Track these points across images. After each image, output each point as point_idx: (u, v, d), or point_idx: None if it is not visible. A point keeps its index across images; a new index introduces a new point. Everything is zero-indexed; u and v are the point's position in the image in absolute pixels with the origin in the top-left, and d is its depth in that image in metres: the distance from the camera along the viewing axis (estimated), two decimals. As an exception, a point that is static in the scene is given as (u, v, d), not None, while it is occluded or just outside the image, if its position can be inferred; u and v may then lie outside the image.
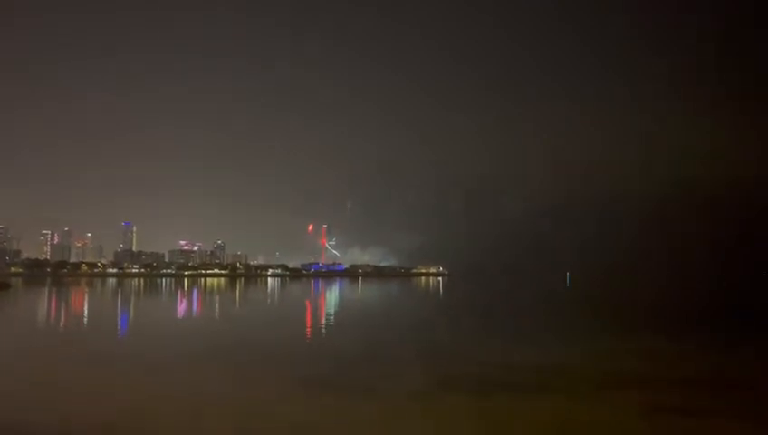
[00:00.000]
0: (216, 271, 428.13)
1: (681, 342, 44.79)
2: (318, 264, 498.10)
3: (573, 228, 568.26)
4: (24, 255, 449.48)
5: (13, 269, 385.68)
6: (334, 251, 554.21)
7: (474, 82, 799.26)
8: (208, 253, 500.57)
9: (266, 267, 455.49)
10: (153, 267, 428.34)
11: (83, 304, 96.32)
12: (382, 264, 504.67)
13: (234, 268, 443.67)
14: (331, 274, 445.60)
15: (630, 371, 31.00)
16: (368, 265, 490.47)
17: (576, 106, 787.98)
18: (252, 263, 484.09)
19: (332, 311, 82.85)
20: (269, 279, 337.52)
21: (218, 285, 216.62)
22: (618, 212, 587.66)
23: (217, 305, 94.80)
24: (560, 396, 24.54)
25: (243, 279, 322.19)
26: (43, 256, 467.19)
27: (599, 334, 49.64)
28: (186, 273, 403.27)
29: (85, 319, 67.12)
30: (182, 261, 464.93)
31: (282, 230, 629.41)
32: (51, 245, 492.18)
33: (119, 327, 57.87)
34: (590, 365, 32.91)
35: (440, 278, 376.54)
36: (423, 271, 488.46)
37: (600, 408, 22.70)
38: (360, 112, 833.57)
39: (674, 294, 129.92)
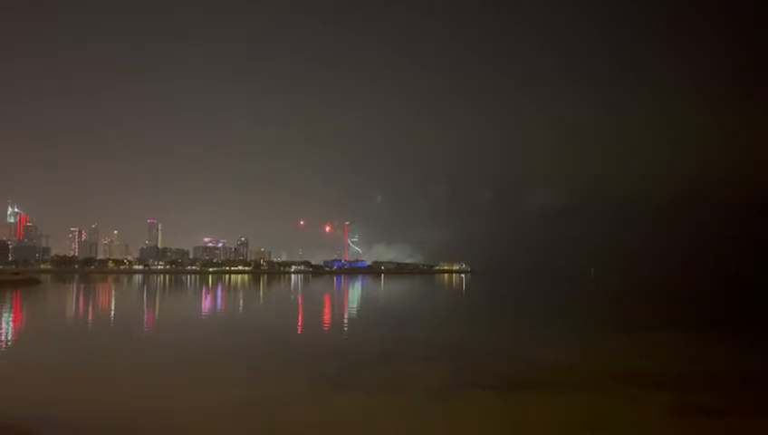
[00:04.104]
0: (240, 268, 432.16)
1: (698, 341, 44.34)
2: (340, 261, 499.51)
3: (588, 228, 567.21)
4: (54, 251, 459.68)
5: (42, 266, 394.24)
6: (356, 248, 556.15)
7: (500, 82, 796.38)
8: (232, 250, 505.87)
9: (289, 264, 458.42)
10: (178, 264, 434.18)
11: (110, 299, 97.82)
12: (407, 261, 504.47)
13: (257, 265, 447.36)
14: (353, 270, 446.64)
15: (649, 368, 30.66)
16: (390, 262, 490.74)
17: (592, 107, 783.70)
18: (275, 260, 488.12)
19: (355, 308, 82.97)
20: (292, 276, 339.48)
21: (242, 281, 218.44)
22: (632, 212, 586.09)
23: (241, 302, 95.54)
24: (582, 393, 24.30)
25: (266, 276, 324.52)
26: (72, 252, 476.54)
27: (617, 332, 49.03)
28: (210, 269, 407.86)
29: (112, 314, 68.13)
30: (206, 258, 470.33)
31: (305, 227, 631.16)
32: (79, 242, 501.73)
33: (144, 323, 58.59)
34: (610, 363, 32.58)
35: (463, 275, 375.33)
36: (446, 268, 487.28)
37: (619, 405, 22.42)
38: (384, 110, 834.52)
39: (688, 294, 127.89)
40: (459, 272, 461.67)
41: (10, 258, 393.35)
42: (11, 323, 54.77)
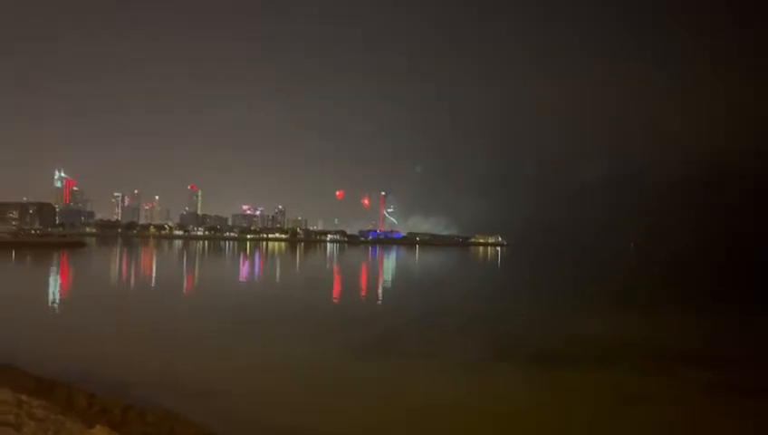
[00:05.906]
0: (277, 235, 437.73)
1: (740, 323, 43.19)
2: (376, 231, 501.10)
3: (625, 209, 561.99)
4: (98, 216, 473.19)
5: (87, 229, 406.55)
6: (392, 218, 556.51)
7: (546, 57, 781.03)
8: (269, 217, 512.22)
9: (325, 233, 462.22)
10: (217, 230, 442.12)
11: (152, 263, 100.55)
12: (443, 232, 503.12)
13: (294, 233, 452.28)
14: (388, 241, 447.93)
15: (693, 348, 30.08)
16: (425, 234, 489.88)
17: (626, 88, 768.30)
18: (311, 228, 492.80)
19: (389, 278, 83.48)
20: (328, 245, 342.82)
21: (279, 248, 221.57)
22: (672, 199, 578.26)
23: (278, 269, 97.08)
24: (619, 369, 24.00)
25: (302, 244, 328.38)
26: (115, 217, 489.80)
27: (657, 310, 48.17)
28: (248, 236, 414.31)
29: (153, 278, 70.09)
30: (244, 225, 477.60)
31: (342, 197, 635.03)
32: (122, 207, 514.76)
33: (184, 287, 60.11)
34: (650, 340, 32.08)
35: (498, 248, 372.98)
36: (481, 241, 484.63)
37: (659, 382, 22.10)
38: (429, 82, 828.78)
39: (728, 276, 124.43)
40: (494, 245, 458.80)
41: (57, 221, 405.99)
42: (60, 282, 56.90)
